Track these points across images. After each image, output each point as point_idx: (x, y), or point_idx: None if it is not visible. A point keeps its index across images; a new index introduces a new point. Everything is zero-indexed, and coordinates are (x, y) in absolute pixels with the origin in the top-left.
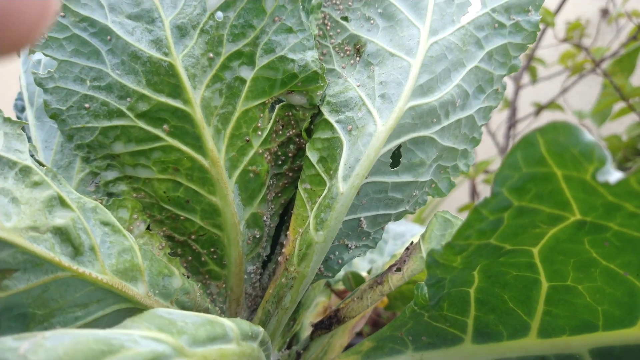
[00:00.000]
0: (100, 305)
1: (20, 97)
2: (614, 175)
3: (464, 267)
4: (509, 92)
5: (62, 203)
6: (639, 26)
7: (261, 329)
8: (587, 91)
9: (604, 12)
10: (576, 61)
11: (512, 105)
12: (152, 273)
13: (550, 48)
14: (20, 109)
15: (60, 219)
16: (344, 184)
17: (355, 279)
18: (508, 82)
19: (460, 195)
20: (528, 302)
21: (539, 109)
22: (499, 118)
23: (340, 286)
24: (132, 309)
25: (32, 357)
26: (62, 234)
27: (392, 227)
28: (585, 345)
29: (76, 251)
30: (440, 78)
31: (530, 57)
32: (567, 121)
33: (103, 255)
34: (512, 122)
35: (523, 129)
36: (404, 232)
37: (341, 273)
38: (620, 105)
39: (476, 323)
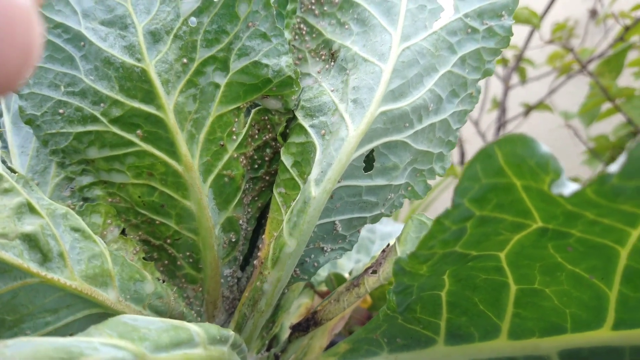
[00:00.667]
0: (70, 311)
1: None
2: (568, 188)
3: (431, 274)
4: (498, 92)
5: (32, 210)
6: (626, 27)
7: (231, 333)
8: (576, 92)
9: (593, 13)
10: (564, 62)
11: (501, 106)
12: (122, 278)
13: (538, 49)
14: None
15: (29, 225)
16: (317, 188)
17: (338, 280)
18: (497, 83)
19: (450, 195)
20: (498, 304)
21: (528, 109)
22: (488, 118)
23: (324, 287)
24: (103, 314)
25: None
26: (31, 241)
27: (379, 227)
28: (554, 347)
29: (45, 257)
30: (412, 83)
31: (519, 58)
32: (523, 133)
33: (72, 262)
34: (501, 123)
35: (512, 129)
36: (390, 232)
37: (324, 274)
38: (607, 105)
39: (448, 325)
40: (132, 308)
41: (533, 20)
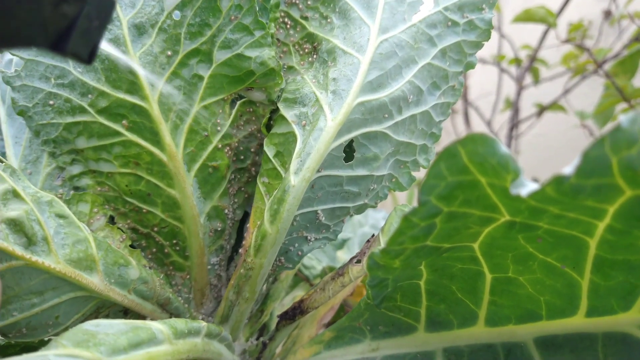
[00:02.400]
0: (55, 293)
1: None
2: (526, 188)
3: (405, 267)
4: (512, 93)
5: (17, 196)
6: None
7: (203, 324)
8: (590, 92)
9: (607, 14)
10: (578, 62)
11: (514, 106)
12: (107, 263)
13: (552, 50)
14: None
15: (14, 211)
16: (295, 177)
17: None
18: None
19: None
20: (475, 292)
21: (541, 109)
22: (501, 119)
23: (319, 281)
24: (88, 297)
25: None
26: (16, 225)
27: (379, 217)
28: (530, 334)
29: (29, 241)
30: (391, 74)
31: (533, 58)
32: (484, 133)
33: (56, 246)
34: (514, 123)
35: (525, 129)
36: None
37: (320, 267)
38: (622, 106)
39: (428, 313)
40: (116, 292)
41: (549, 20)
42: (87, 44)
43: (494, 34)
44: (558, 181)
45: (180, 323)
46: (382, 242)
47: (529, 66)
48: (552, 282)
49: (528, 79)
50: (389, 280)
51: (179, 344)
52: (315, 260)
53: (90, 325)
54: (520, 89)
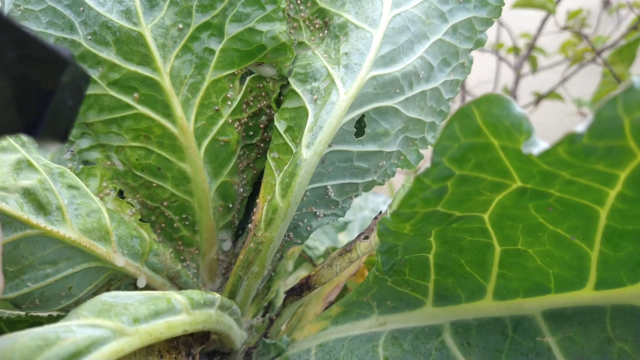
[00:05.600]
0: (69, 263)
1: None
2: (538, 147)
3: (415, 233)
4: (509, 81)
5: (30, 166)
6: None
7: (217, 296)
8: (587, 81)
9: (606, 3)
10: (576, 50)
11: (512, 95)
12: (120, 234)
13: (551, 37)
14: None
15: (28, 180)
16: (307, 151)
17: None
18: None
19: None
20: (483, 265)
21: (539, 98)
22: None
23: (321, 261)
24: (101, 267)
25: None
26: (30, 194)
27: (384, 208)
28: (538, 307)
29: (44, 210)
30: (403, 49)
31: (531, 47)
32: (499, 93)
33: (70, 215)
34: None
35: None
36: None
37: (323, 248)
38: None
39: (436, 287)
40: (130, 263)
41: (548, 6)
42: (61, 124)
43: None
44: (570, 139)
45: (196, 294)
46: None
47: (527, 55)
48: (561, 254)
49: (526, 68)
50: (398, 247)
51: (196, 314)
52: (317, 242)
53: (108, 296)
54: (518, 77)
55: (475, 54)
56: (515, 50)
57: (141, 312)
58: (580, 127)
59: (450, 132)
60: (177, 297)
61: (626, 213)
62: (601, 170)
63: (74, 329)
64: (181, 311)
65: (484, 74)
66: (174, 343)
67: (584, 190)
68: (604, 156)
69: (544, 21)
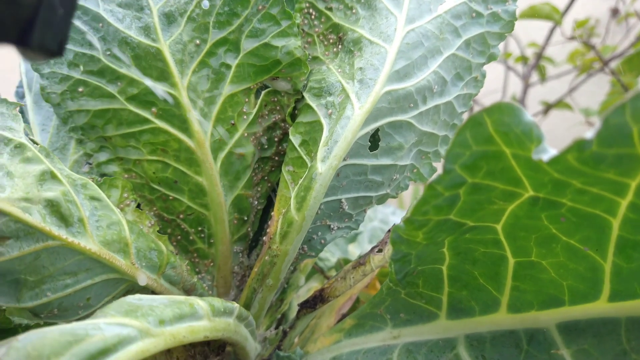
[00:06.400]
0: (89, 274)
1: (20, 85)
2: (548, 153)
3: (428, 242)
4: (518, 90)
5: (54, 177)
6: None
7: (236, 305)
8: (596, 90)
9: (614, 12)
10: (584, 60)
11: (520, 104)
12: (139, 246)
13: (559, 47)
14: (21, 96)
15: (51, 192)
16: (323, 164)
17: None
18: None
19: None
20: (497, 278)
21: (547, 107)
22: None
23: (334, 273)
24: (120, 279)
25: (7, 359)
26: (53, 206)
27: (392, 219)
28: (552, 319)
29: (66, 222)
30: (417, 64)
31: (539, 56)
32: (510, 102)
33: (91, 227)
34: None
35: None
36: None
37: (334, 260)
38: None
39: (450, 299)
40: (147, 275)
41: (554, 16)
42: (54, 35)
43: None
44: (579, 146)
45: (217, 301)
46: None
47: (536, 64)
48: (575, 266)
49: (534, 77)
50: (412, 256)
51: (216, 321)
52: (329, 253)
53: (133, 298)
54: (527, 86)
55: None
56: (523, 59)
57: (166, 314)
58: (589, 133)
59: (462, 139)
60: (200, 303)
61: (638, 223)
62: (612, 179)
63: (103, 326)
64: (203, 317)
65: (492, 84)
66: (191, 352)
67: (595, 199)
68: (614, 164)
69: (551, 31)
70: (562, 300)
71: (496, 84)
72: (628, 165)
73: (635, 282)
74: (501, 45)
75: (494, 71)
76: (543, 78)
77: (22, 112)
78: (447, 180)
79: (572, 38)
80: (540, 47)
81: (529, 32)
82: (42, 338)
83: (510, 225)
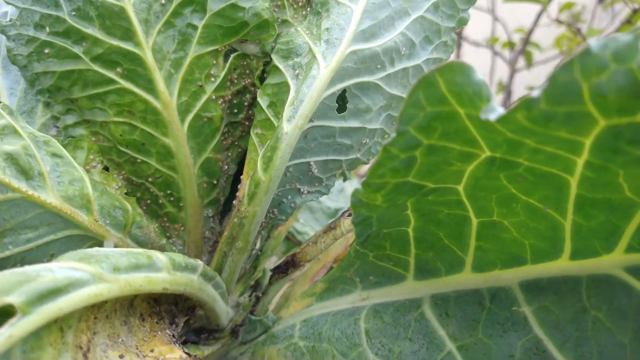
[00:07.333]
0: (50, 229)
1: None
2: (495, 112)
3: (388, 204)
4: (504, 76)
5: (15, 132)
6: (634, 10)
7: (200, 262)
8: None
9: None
10: (570, 44)
11: (507, 89)
12: (102, 203)
13: (545, 33)
14: None
15: (11, 145)
16: (289, 124)
17: None
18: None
19: None
20: (461, 238)
21: None
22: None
23: None
24: (84, 236)
25: None
26: (12, 159)
27: None
28: (515, 278)
29: (26, 175)
30: (383, 24)
31: (526, 41)
32: (461, 61)
33: (52, 182)
34: (507, 106)
35: None
36: None
37: (312, 233)
38: None
39: (417, 261)
40: (112, 233)
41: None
42: None
43: (487, 17)
44: (527, 105)
45: (178, 257)
46: None
47: (522, 49)
48: (535, 225)
49: (521, 62)
50: (372, 219)
51: (177, 275)
52: (308, 227)
53: (91, 250)
54: (513, 72)
55: (469, 48)
56: (510, 45)
57: (122, 262)
58: (536, 91)
59: (415, 100)
60: (159, 256)
61: (595, 181)
62: (565, 138)
63: (54, 269)
64: (162, 269)
65: (479, 69)
66: (156, 309)
67: (551, 158)
68: (564, 122)
69: (539, 15)
70: (525, 259)
71: (483, 69)
72: (580, 123)
73: (596, 240)
74: (488, 31)
75: (480, 57)
76: (529, 63)
77: None
78: (401, 142)
79: (558, 21)
80: (526, 32)
81: (516, 17)
82: None
83: (471, 186)
